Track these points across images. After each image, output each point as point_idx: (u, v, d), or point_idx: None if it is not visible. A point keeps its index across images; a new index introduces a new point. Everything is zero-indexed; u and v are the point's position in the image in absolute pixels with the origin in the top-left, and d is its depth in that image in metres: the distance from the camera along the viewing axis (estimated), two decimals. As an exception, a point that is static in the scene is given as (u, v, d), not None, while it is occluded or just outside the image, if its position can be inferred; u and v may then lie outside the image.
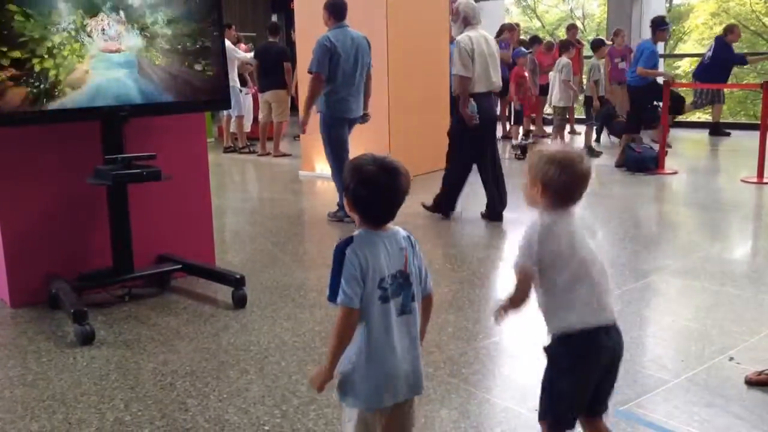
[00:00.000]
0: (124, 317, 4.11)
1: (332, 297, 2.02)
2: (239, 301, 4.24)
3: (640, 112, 9.10)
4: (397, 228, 2.11)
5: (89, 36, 3.93)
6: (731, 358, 3.42)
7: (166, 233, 4.70)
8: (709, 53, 11.20)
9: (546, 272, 2.15)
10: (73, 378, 3.34)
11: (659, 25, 8.82)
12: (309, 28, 8.55)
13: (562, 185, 2.13)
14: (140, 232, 4.38)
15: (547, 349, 2.23)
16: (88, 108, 4.01)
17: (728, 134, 11.88)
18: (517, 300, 2.21)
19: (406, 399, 2.13)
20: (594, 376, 2.20)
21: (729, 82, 12.01)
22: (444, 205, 6.38)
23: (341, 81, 6.09)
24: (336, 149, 6.26)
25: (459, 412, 2.93)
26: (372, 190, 2.01)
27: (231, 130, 11.43)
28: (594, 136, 10.79)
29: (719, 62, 11.10)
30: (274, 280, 4.75)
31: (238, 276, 4.31)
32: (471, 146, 6.14)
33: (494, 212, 6.26)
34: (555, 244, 2.14)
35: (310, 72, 6.11)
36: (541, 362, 2.26)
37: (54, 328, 3.95)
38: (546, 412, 2.24)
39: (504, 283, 4.57)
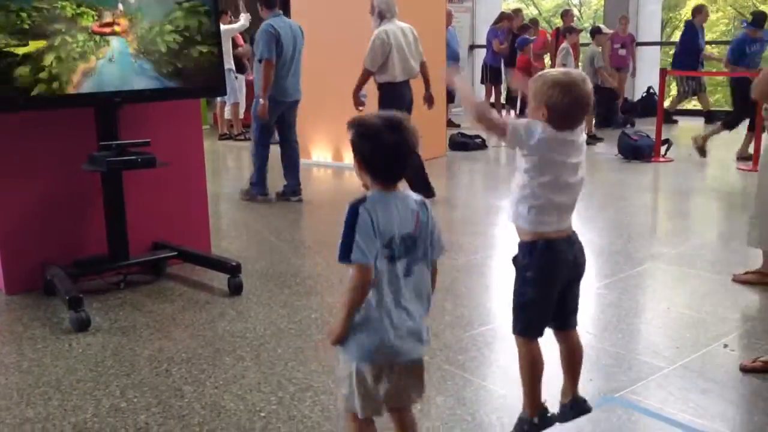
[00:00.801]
0: (120, 304, 4.11)
1: (344, 256, 2.01)
2: (235, 288, 4.24)
3: (745, 103, 8.62)
4: (409, 191, 2.11)
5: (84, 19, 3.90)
6: (726, 345, 3.43)
7: (161, 220, 4.69)
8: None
9: (534, 164, 2.27)
10: (68, 365, 3.34)
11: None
12: (307, 11, 8.54)
13: (566, 106, 2.21)
14: (135, 219, 4.37)
15: (514, 260, 2.36)
16: (82, 94, 3.98)
17: None
18: (491, 123, 2.33)
19: (410, 360, 2.13)
20: (556, 285, 2.36)
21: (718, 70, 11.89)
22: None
23: (281, 65, 6.49)
24: (261, 127, 6.68)
25: (455, 399, 2.94)
26: (377, 145, 2.00)
27: (226, 117, 11.38)
28: (593, 121, 10.71)
29: (686, 47, 11.03)
30: (270, 267, 4.74)
31: (233, 263, 4.31)
32: None
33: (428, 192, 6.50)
34: (553, 145, 2.25)
35: (260, 60, 6.43)
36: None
37: (49, 314, 3.95)
38: (516, 321, 2.40)
39: (501, 274, 4.57)
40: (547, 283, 2.36)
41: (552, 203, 2.30)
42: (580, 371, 2.56)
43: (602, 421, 2.77)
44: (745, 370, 3.15)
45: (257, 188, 6.81)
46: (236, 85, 10.82)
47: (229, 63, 10.40)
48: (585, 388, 3.00)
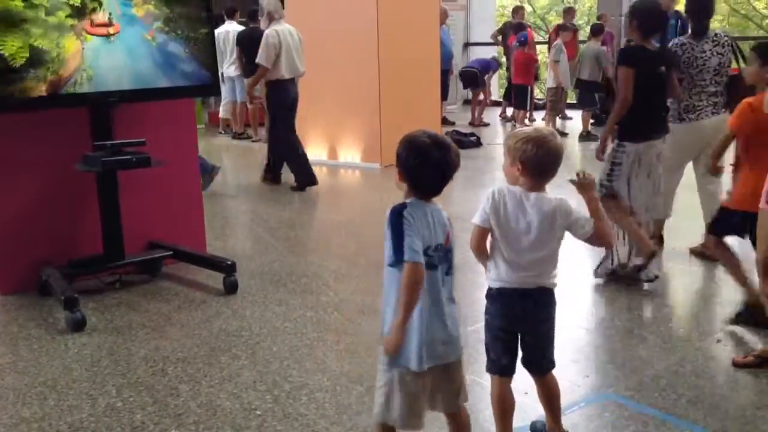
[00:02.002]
0: (115, 304, 4.11)
1: (398, 259, 2.08)
2: (230, 287, 4.25)
3: None
4: (439, 206, 2.20)
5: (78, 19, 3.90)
6: (719, 341, 3.46)
7: (156, 220, 4.70)
8: None
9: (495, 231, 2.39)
10: (64, 364, 3.34)
11: None
12: (302, 12, 8.55)
13: (538, 161, 2.31)
14: (131, 218, 4.37)
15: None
16: (77, 94, 3.98)
17: None
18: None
19: (449, 361, 2.22)
20: (505, 333, 2.44)
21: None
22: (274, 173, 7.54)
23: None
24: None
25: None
26: (424, 162, 2.10)
27: (222, 116, 11.36)
28: (591, 120, 10.70)
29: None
30: (265, 266, 4.75)
31: (229, 262, 4.32)
32: (283, 123, 7.13)
33: (302, 184, 7.15)
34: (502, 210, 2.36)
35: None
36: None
37: (45, 315, 3.95)
38: (488, 357, 2.51)
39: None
40: (494, 329, 2.47)
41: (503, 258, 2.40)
42: (559, 408, 2.58)
43: (596, 417, 2.79)
44: (737, 365, 3.17)
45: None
46: (235, 82, 10.72)
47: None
48: (580, 385, 3.03)
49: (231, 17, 10.49)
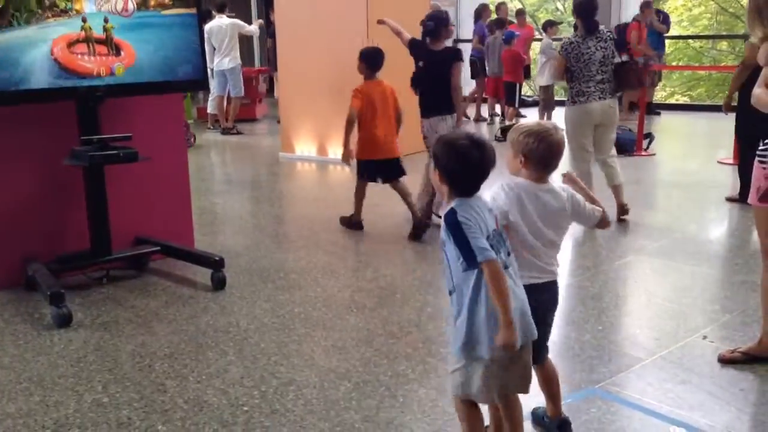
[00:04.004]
0: (102, 299, 4.09)
1: (472, 264, 2.09)
2: (218, 283, 4.23)
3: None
4: (479, 194, 2.23)
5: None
6: (705, 337, 3.48)
7: (144, 215, 4.67)
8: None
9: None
10: (50, 360, 3.32)
11: None
12: (291, 11, 8.53)
13: (541, 154, 2.37)
14: (118, 213, 4.35)
15: None
16: (63, 88, 3.95)
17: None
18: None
19: (525, 343, 2.23)
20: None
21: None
22: None
23: None
24: None
25: (437, 392, 2.95)
26: (466, 164, 2.16)
27: (209, 111, 11.32)
28: None
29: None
30: (253, 262, 4.74)
31: (217, 258, 4.30)
32: None
33: None
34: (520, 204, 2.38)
35: None
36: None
37: (31, 310, 3.92)
38: None
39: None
40: None
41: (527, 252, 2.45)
42: (559, 392, 2.64)
43: (583, 412, 2.80)
44: (723, 360, 3.19)
45: None
46: (228, 76, 10.68)
47: (237, 58, 10.56)
48: (567, 381, 3.03)
49: (221, 12, 10.50)
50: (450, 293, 2.23)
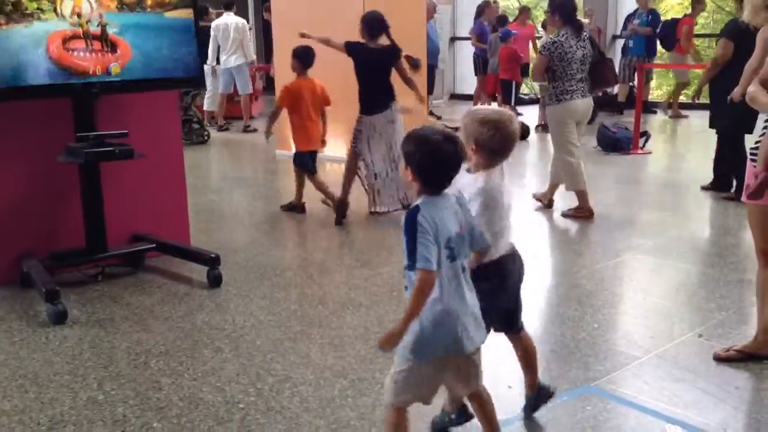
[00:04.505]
0: (98, 296, 4.08)
1: (411, 264, 2.08)
2: (214, 281, 4.23)
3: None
4: (448, 192, 2.21)
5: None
6: (700, 335, 3.48)
7: (140, 212, 4.66)
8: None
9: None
10: (45, 357, 3.31)
11: None
12: (286, 9, 8.52)
13: (494, 143, 2.37)
14: (114, 210, 4.34)
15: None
16: (59, 85, 3.94)
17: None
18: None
19: (471, 351, 2.24)
20: (506, 295, 2.56)
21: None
22: None
23: None
24: None
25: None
26: (439, 159, 2.12)
27: (206, 108, 11.29)
28: None
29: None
30: (249, 260, 4.73)
31: (213, 255, 4.29)
32: None
33: None
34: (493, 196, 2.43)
35: None
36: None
37: (26, 307, 3.92)
38: None
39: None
40: (500, 291, 2.57)
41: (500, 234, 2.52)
42: (536, 364, 2.74)
43: (578, 410, 2.80)
44: (718, 359, 3.20)
45: None
46: (236, 76, 10.68)
47: (243, 56, 10.53)
48: (561, 379, 3.04)
49: (229, 9, 10.51)
50: (405, 288, 2.20)
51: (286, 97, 5.82)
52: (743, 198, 3.08)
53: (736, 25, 5.94)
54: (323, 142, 6.04)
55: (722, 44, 6.02)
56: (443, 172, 2.16)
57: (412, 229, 2.08)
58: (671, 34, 11.53)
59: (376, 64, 5.59)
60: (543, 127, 10.57)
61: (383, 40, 5.65)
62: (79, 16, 3.92)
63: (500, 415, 2.57)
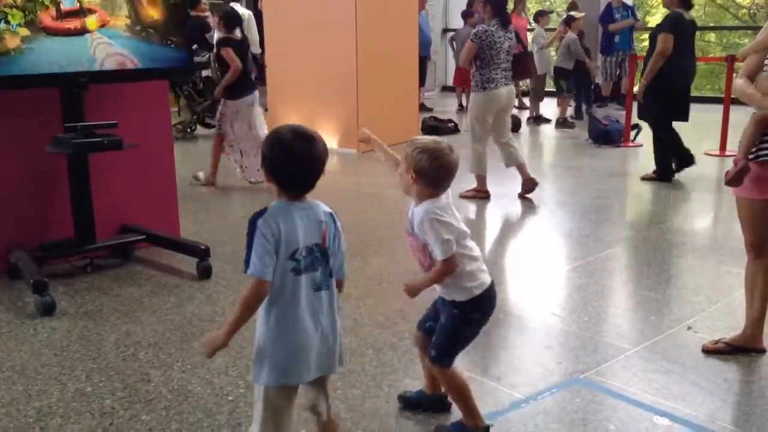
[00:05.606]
0: (86, 288, 4.06)
1: (246, 269, 1.99)
2: (204, 272, 4.21)
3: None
4: (318, 202, 2.09)
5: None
6: (689, 328, 3.49)
7: (129, 203, 4.63)
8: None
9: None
10: (33, 349, 3.30)
11: None
12: (278, 3, 8.49)
13: (431, 171, 2.32)
14: (102, 201, 4.31)
15: (460, 305, 2.46)
16: (47, 74, 3.90)
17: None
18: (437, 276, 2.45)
19: (317, 377, 2.11)
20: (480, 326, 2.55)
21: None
22: None
23: None
24: None
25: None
26: (288, 157, 1.98)
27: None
28: (570, 110, 10.78)
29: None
30: (239, 251, 4.64)
31: (203, 247, 4.28)
32: None
33: None
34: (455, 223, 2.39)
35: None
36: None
37: (14, 298, 3.89)
38: (448, 355, 2.50)
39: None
40: (485, 319, 2.56)
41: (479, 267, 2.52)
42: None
43: (567, 402, 2.81)
44: (707, 351, 3.21)
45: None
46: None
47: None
48: (552, 371, 3.04)
49: (236, 1, 10.50)
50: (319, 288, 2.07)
51: None
52: (733, 191, 3.08)
53: (673, 19, 6.36)
54: None
55: (663, 38, 6.28)
56: (297, 173, 2.00)
57: (251, 232, 1.97)
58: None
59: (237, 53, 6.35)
60: (534, 120, 10.62)
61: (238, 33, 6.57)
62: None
63: (488, 408, 2.58)
